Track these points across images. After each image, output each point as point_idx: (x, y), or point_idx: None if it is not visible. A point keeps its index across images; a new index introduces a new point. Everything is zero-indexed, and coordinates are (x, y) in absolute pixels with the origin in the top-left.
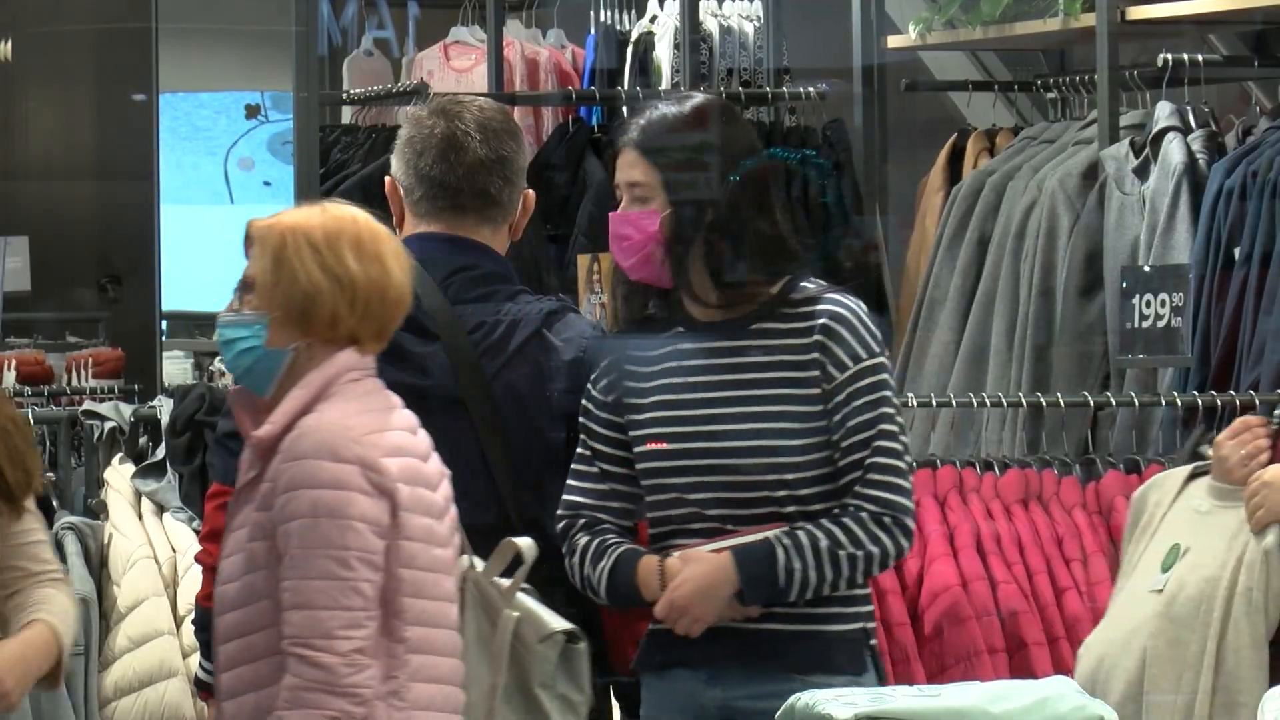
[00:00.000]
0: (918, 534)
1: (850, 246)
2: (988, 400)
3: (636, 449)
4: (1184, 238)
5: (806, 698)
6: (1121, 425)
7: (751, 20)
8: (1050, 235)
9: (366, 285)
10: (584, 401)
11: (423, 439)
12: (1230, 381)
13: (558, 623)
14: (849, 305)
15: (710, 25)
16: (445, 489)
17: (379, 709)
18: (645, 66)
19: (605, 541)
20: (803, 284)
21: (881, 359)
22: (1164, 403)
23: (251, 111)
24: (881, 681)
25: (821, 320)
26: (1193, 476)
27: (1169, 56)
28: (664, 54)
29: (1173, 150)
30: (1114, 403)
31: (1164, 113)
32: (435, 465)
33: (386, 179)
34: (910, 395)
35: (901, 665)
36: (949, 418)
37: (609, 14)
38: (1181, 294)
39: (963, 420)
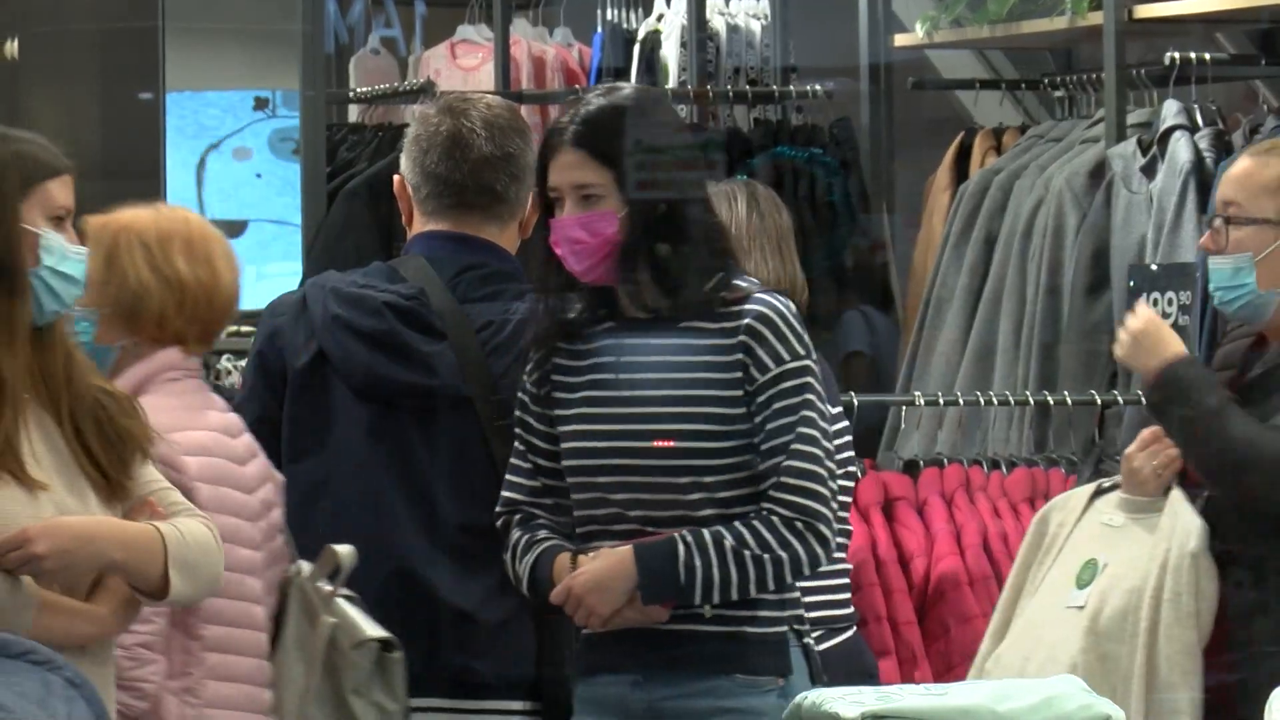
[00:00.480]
0: (926, 532)
1: (857, 245)
2: (994, 399)
3: (563, 445)
4: (1191, 236)
5: (814, 696)
6: (1129, 423)
7: (759, 18)
8: (1057, 234)
9: (195, 287)
10: (519, 394)
11: (242, 442)
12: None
13: (373, 630)
14: (776, 306)
15: (717, 23)
16: (265, 492)
17: (169, 704)
18: (652, 65)
19: (535, 537)
20: (735, 282)
21: (807, 362)
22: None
23: (260, 104)
24: (815, 681)
25: (747, 320)
26: (1098, 493)
27: (1176, 55)
28: (671, 52)
29: (1180, 149)
30: (1121, 401)
31: (1171, 111)
32: (255, 468)
33: (395, 177)
34: (917, 394)
35: (908, 664)
36: (956, 416)
37: (616, 12)
38: (1189, 292)
39: (970, 418)
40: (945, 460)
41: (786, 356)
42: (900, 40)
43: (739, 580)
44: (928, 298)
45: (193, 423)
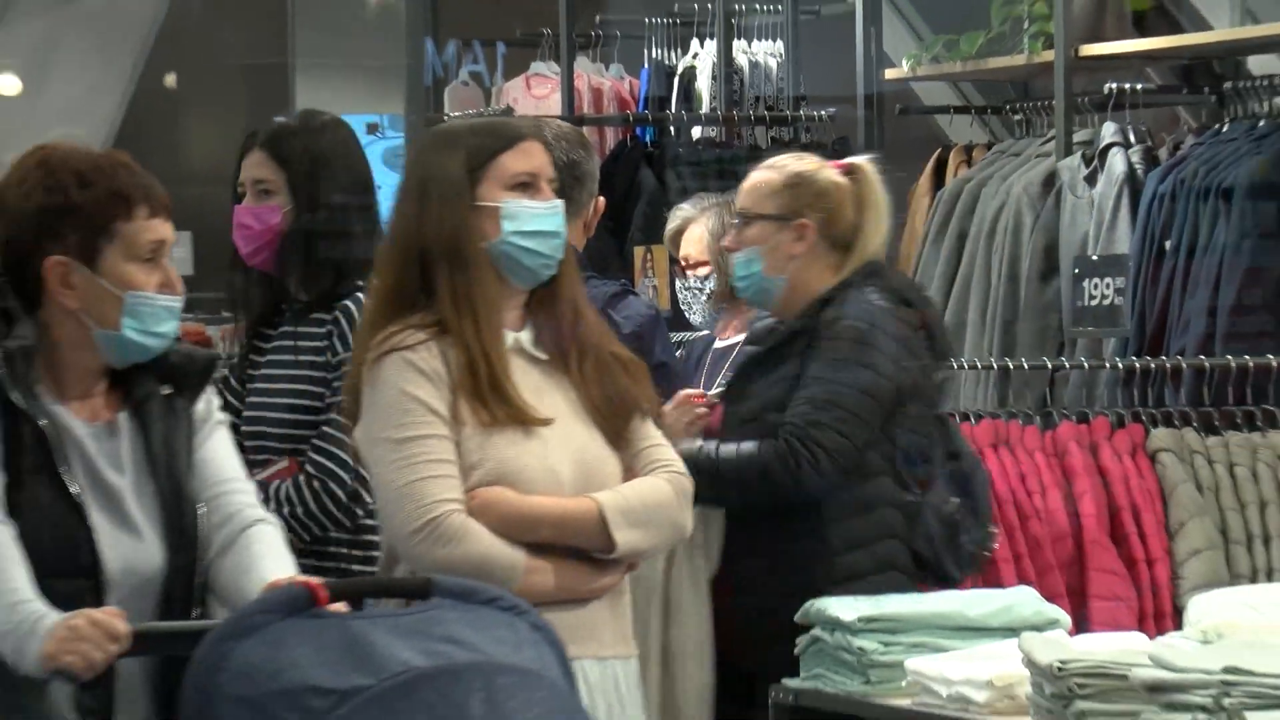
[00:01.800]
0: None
1: None
2: (965, 364)
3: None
4: (1124, 233)
5: (819, 603)
6: (1073, 384)
7: (774, 56)
8: (1016, 231)
9: None
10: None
11: None
12: (1161, 349)
13: None
14: (359, 301)
15: (741, 61)
16: None
17: None
18: (689, 94)
19: None
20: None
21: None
22: (1108, 366)
23: (371, 129)
24: None
25: (335, 313)
26: None
27: (1113, 85)
28: (704, 84)
29: (1116, 162)
30: (1067, 366)
31: (1109, 131)
32: None
33: None
34: None
35: None
36: None
37: (660, 51)
38: (1122, 278)
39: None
40: None
41: (341, 349)
42: (890, 74)
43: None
44: None
45: None
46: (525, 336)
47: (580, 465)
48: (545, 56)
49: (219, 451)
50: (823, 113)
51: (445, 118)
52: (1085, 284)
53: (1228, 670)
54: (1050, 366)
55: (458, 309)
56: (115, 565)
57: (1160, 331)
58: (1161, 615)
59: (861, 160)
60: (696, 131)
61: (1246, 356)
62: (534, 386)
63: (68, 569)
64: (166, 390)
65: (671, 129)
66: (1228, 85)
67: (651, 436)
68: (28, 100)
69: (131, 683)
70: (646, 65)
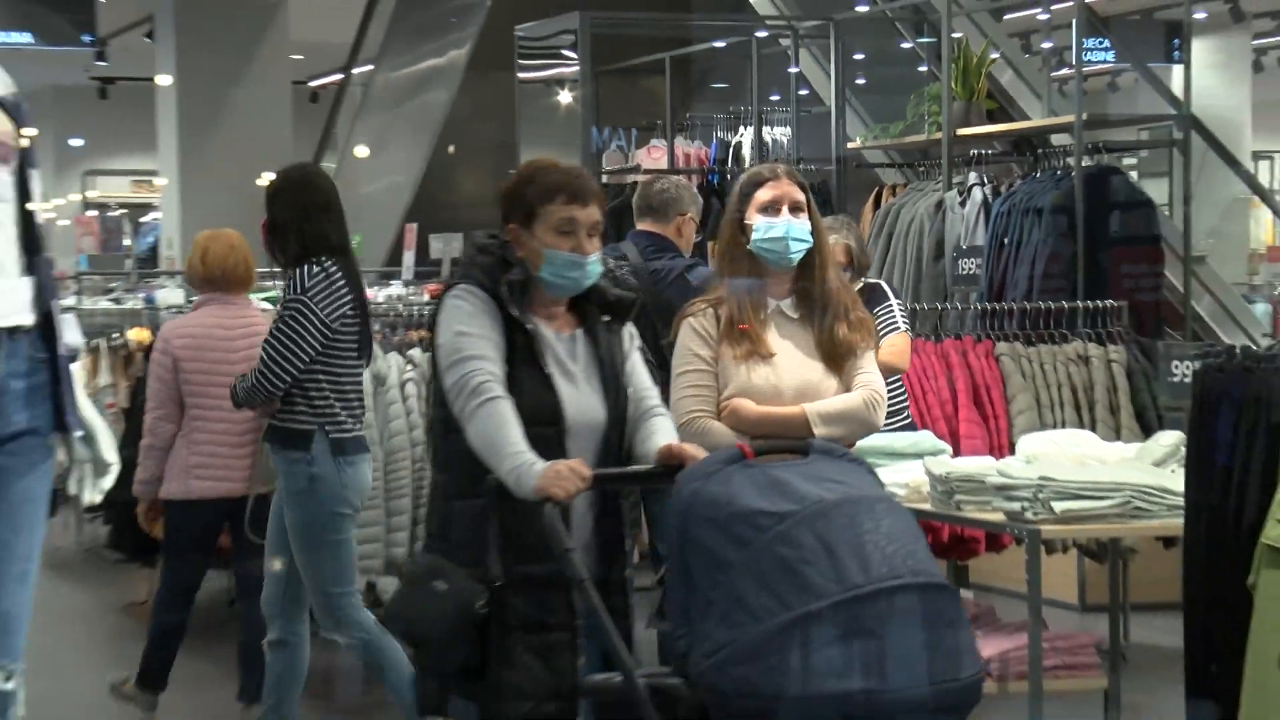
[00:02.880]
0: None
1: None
2: (896, 308)
3: None
4: (981, 234)
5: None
6: (952, 318)
7: (785, 135)
8: (920, 234)
9: None
10: None
11: None
12: (1002, 299)
13: None
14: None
15: (767, 138)
16: None
17: None
18: (737, 157)
19: None
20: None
21: None
22: (973, 308)
23: None
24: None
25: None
26: None
27: (975, 151)
28: (746, 151)
29: (976, 194)
30: (950, 308)
31: (972, 178)
32: None
33: (634, 202)
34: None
35: None
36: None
37: (721, 132)
38: (980, 259)
39: None
40: None
41: None
42: (851, 145)
43: None
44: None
45: None
46: (786, 303)
47: (800, 386)
48: (658, 135)
49: (637, 365)
50: (812, 168)
51: (603, 173)
52: (959, 262)
53: (1042, 478)
54: (940, 308)
55: (728, 284)
56: (574, 419)
57: (1001, 289)
58: (1002, 448)
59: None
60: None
61: (1050, 303)
62: (783, 334)
63: (543, 421)
64: (606, 319)
65: (728, 176)
66: (1040, 151)
67: (861, 366)
68: (373, 160)
69: (579, 509)
70: (714, 140)
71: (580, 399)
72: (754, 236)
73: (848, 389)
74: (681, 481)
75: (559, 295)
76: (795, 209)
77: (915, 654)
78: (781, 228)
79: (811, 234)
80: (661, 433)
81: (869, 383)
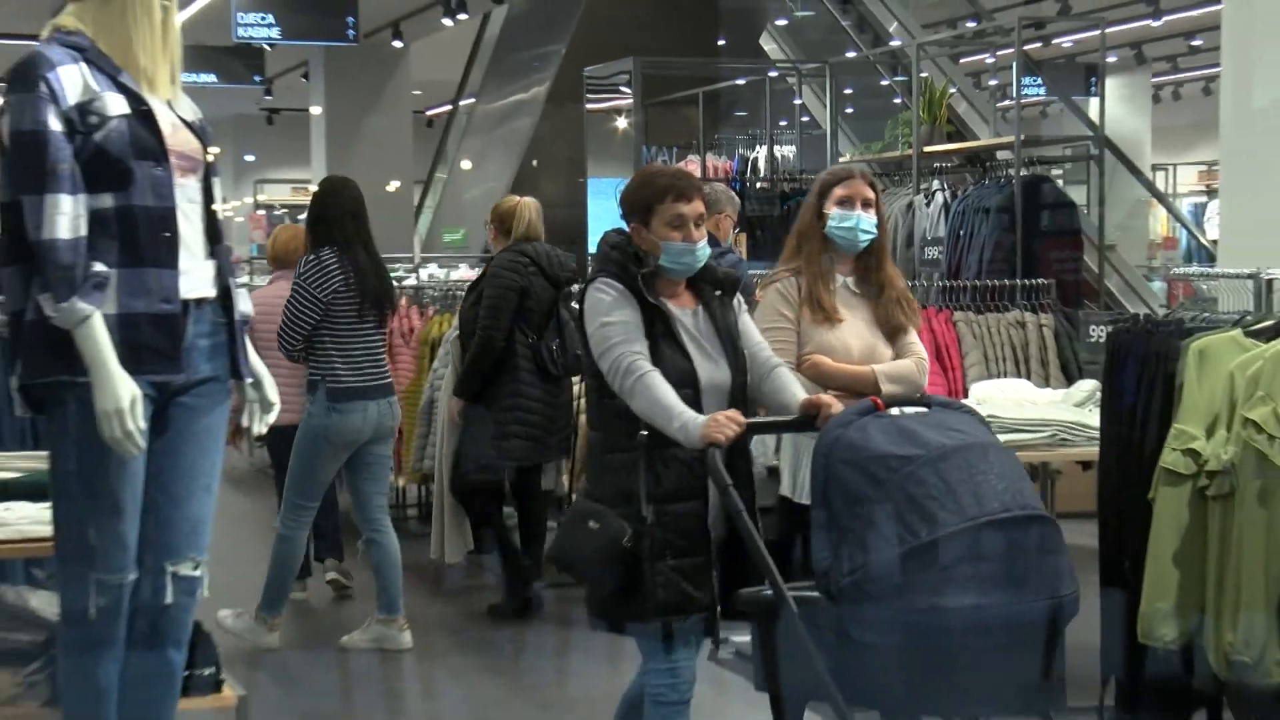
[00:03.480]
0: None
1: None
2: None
3: None
4: (942, 228)
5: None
6: (920, 293)
7: (791, 153)
8: (895, 228)
9: None
10: None
11: None
12: (959, 278)
13: None
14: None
15: (776, 154)
16: None
17: None
18: (755, 169)
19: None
20: None
21: None
22: (936, 285)
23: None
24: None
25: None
26: None
27: (938, 164)
28: (761, 164)
29: (938, 197)
30: (918, 285)
31: (936, 185)
32: None
33: None
34: None
35: None
36: None
37: (742, 150)
38: (941, 247)
39: None
40: None
41: None
42: (842, 159)
43: None
44: None
45: None
46: (850, 280)
47: (865, 349)
48: (694, 152)
49: (748, 326)
50: (811, 177)
51: None
52: (925, 250)
53: (990, 416)
54: (910, 285)
55: (806, 260)
56: (706, 381)
57: (957, 270)
58: (958, 393)
59: None
60: (759, 185)
61: (995, 281)
62: (849, 306)
63: (683, 385)
64: (718, 293)
65: (746, 184)
66: (987, 164)
67: (908, 338)
68: (474, 172)
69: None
70: (736, 156)
71: (709, 364)
72: (830, 224)
73: (898, 356)
74: (826, 432)
75: (678, 277)
76: (866, 205)
77: (1023, 575)
78: (854, 219)
79: (876, 226)
80: (794, 385)
81: (918, 351)
